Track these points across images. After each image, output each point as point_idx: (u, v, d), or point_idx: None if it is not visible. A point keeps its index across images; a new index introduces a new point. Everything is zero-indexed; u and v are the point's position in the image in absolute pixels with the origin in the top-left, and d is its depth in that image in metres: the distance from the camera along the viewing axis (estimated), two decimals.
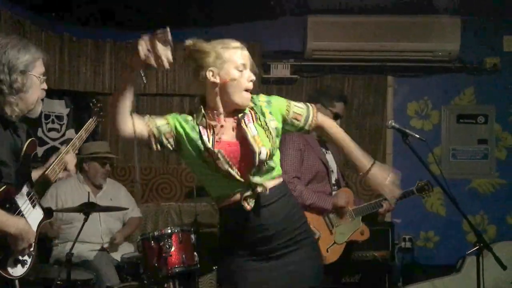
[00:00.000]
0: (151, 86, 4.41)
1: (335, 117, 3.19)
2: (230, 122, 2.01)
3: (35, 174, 2.21)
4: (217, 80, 1.96)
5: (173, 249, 3.21)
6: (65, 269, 2.81)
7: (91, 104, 2.63)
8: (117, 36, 4.42)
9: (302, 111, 2.09)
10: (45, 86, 2.12)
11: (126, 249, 3.74)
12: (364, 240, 3.15)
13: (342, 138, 2.11)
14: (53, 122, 4.25)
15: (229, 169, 1.92)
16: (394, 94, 4.54)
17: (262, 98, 2.06)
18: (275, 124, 2.03)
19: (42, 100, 2.14)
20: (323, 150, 3.20)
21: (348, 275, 3.61)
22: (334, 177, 3.20)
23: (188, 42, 2.03)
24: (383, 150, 4.52)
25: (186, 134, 1.98)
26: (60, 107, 4.30)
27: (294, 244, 1.99)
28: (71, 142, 2.35)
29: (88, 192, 3.39)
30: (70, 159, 2.28)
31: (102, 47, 4.36)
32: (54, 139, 4.26)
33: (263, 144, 1.94)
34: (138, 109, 4.44)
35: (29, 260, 2.03)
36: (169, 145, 1.99)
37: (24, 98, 2.02)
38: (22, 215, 2.01)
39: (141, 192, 4.50)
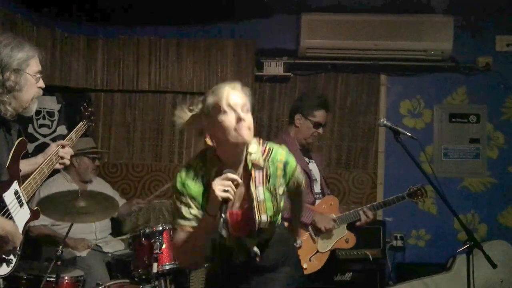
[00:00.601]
0: (144, 83, 4.39)
1: (316, 126, 3.18)
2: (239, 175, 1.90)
3: (27, 167, 2.20)
4: (210, 131, 1.89)
5: (164, 246, 3.21)
6: (55, 266, 2.79)
7: (81, 108, 2.61)
8: (109, 32, 4.39)
9: (300, 181, 2.11)
10: (41, 84, 2.10)
11: (117, 247, 3.73)
12: (350, 248, 3.17)
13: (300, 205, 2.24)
14: (44, 118, 4.22)
15: (226, 239, 1.90)
16: (387, 93, 4.54)
17: (281, 158, 1.97)
18: (282, 190, 2.00)
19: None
20: (306, 159, 3.20)
21: (339, 274, 3.61)
22: (317, 186, 3.20)
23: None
24: (375, 148, 4.53)
25: (195, 196, 1.90)
26: (51, 103, 4.26)
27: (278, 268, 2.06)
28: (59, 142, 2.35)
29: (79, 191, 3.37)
30: (67, 152, 2.31)
31: (94, 43, 4.33)
32: (45, 135, 4.22)
33: (265, 211, 1.91)
34: (131, 106, 4.50)
35: (14, 260, 2.01)
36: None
37: (18, 97, 2.01)
38: (9, 214, 1.99)
39: (133, 190, 4.48)
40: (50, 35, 4.14)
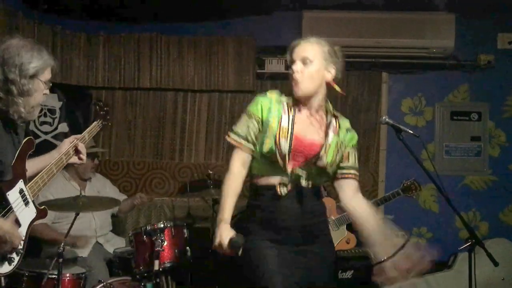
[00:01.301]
0: (145, 80, 4.38)
1: None
2: (314, 118, 2.15)
3: (40, 164, 2.21)
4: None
5: (165, 243, 3.21)
6: (56, 263, 2.79)
7: (96, 107, 2.59)
8: (110, 29, 4.38)
9: (352, 160, 2.24)
10: (47, 91, 2.16)
11: (119, 244, 3.73)
12: (351, 248, 3.17)
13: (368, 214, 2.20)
14: (45, 115, 4.21)
15: (285, 157, 2.03)
16: (388, 91, 4.54)
17: (347, 124, 2.25)
18: (343, 150, 2.19)
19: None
20: None
21: (341, 272, 3.61)
22: None
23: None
24: (376, 146, 4.52)
25: (268, 116, 2.11)
26: (52, 101, 4.25)
27: (312, 238, 2.11)
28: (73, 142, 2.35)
29: (80, 190, 3.37)
30: (82, 147, 2.34)
31: (95, 40, 4.32)
32: (46, 133, 4.22)
33: (326, 154, 2.08)
34: (132, 103, 4.50)
35: (16, 258, 2.01)
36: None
37: (26, 102, 2.05)
38: (12, 212, 1.99)
39: (134, 187, 4.48)
40: (51, 32, 4.14)
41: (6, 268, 1.98)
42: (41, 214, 2.16)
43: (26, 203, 2.08)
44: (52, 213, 3.40)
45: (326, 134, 2.13)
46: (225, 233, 2.00)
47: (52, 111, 4.25)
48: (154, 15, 4.29)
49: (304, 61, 2.11)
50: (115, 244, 3.69)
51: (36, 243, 3.53)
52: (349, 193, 2.19)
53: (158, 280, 3.19)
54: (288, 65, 2.16)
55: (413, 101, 4.55)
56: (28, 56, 2.02)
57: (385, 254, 2.06)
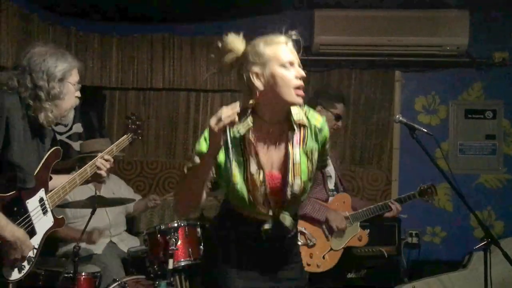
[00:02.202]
0: (158, 81, 4.41)
1: (337, 118, 3.18)
2: (275, 134, 1.81)
3: (60, 179, 2.23)
4: (262, 81, 1.75)
5: (179, 242, 3.24)
6: (72, 262, 2.83)
7: (129, 120, 2.58)
8: (123, 30, 4.41)
9: (325, 159, 2.00)
10: (78, 94, 2.19)
11: (133, 243, 3.76)
12: (363, 246, 3.16)
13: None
14: None
15: (261, 206, 1.78)
16: (401, 89, 4.51)
17: (318, 119, 1.88)
18: (316, 155, 1.86)
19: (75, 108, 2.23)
20: None
21: (354, 271, 3.60)
22: (331, 182, 3.19)
23: (224, 40, 1.82)
24: (390, 145, 4.50)
25: (228, 165, 1.72)
26: None
27: (287, 265, 1.91)
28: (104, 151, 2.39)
29: (95, 190, 3.41)
30: (105, 163, 2.33)
31: (108, 41, 4.36)
32: (61, 133, 4.27)
33: (299, 174, 1.79)
34: (145, 104, 4.52)
35: (27, 266, 2.03)
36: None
37: (59, 105, 2.09)
38: (30, 220, 2.02)
39: (147, 187, 4.51)
40: (65, 34, 4.18)
41: (16, 275, 2.00)
42: (58, 223, 2.19)
43: (45, 212, 2.10)
44: (68, 213, 3.45)
45: (287, 154, 1.79)
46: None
47: None
48: (167, 15, 4.31)
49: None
50: (129, 243, 3.72)
51: (51, 243, 3.58)
52: None
53: (172, 279, 3.21)
54: (283, 65, 1.76)
55: (426, 100, 4.52)
56: (53, 60, 2.06)
57: None
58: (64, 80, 2.08)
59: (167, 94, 4.50)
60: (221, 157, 1.75)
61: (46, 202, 2.10)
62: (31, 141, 2.07)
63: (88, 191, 3.51)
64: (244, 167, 1.77)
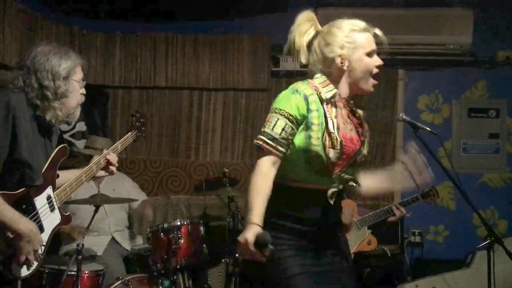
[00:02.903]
0: (161, 79, 4.42)
1: None
2: (345, 110, 1.96)
3: (67, 174, 2.24)
4: (346, 66, 1.91)
5: (182, 241, 3.24)
6: (75, 260, 2.83)
7: (133, 117, 2.59)
8: (127, 28, 4.42)
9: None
10: (83, 90, 2.19)
11: (136, 241, 3.77)
12: (372, 250, 3.16)
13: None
14: None
15: (334, 164, 1.86)
16: (404, 88, 4.50)
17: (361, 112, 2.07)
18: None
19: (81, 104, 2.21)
20: None
21: (356, 270, 3.60)
22: None
23: (302, 15, 2.06)
24: (393, 143, 4.49)
25: (308, 117, 1.86)
26: None
27: (337, 238, 2.00)
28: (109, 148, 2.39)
29: (97, 188, 3.41)
30: (113, 158, 2.32)
31: (112, 40, 4.37)
32: (64, 132, 4.28)
33: (365, 147, 1.98)
34: (148, 102, 4.53)
35: (35, 263, 2.03)
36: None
37: (66, 103, 2.09)
38: (38, 217, 2.03)
39: (151, 185, 4.52)
40: (68, 32, 4.19)
41: (25, 272, 2.01)
42: (65, 220, 2.19)
43: (52, 209, 2.11)
44: (71, 211, 3.46)
45: (361, 125, 1.98)
46: (251, 231, 1.76)
47: None
48: (170, 14, 4.32)
49: None
50: (132, 242, 3.73)
51: (54, 242, 3.58)
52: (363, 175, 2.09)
53: (175, 277, 3.21)
54: (369, 53, 1.92)
55: (429, 98, 4.51)
56: (57, 59, 2.06)
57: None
58: (68, 78, 2.09)
59: (170, 92, 4.51)
60: (301, 115, 1.85)
61: (53, 200, 2.11)
62: (39, 139, 2.08)
63: (90, 189, 3.52)
64: (324, 126, 1.86)
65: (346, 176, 1.93)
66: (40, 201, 2.05)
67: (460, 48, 4.23)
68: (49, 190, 2.10)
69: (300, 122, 1.86)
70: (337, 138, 1.85)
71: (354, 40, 1.90)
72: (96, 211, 2.97)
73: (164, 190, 4.48)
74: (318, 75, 1.94)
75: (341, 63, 1.90)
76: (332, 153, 1.84)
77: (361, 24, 1.94)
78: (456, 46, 4.22)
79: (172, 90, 4.50)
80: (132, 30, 4.41)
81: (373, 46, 1.93)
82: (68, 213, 2.22)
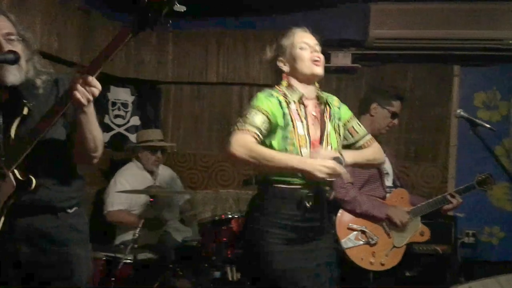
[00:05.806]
0: (211, 75, 4.48)
1: (393, 116, 3.12)
2: (312, 107, 2.15)
3: None
4: (287, 66, 2.18)
5: (232, 234, 3.28)
6: (131, 249, 2.93)
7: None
8: (179, 25, 4.51)
9: (360, 130, 2.26)
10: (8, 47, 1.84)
11: (186, 233, 3.85)
12: (425, 241, 3.08)
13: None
14: (119, 109, 4.42)
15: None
16: (460, 84, 4.37)
17: (335, 102, 2.23)
18: (342, 130, 2.21)
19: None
20: None
21: (408, 269, 3.53)
22: (389, 180, 3.12)
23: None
24: (446, 141, 4.38)
25: (282, 119, 2.07)
26: (125, 95, 4.46)
27: (322, 233, 2.14)
28: None
29: (153, 179, 3.51)
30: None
31: (165, 36, 4.46)
32: (119, 126, 4.43)
33: (330, 143, 2.10)
34: (199, 98, 4.61)
35: None
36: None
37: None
38: None
39: (200, 179, 4.60)
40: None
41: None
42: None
43: None
44: (127, 201, 3.59)
45: (323, 124, 2.13)
46: (324, 160, 1.96)
47: (125, 105, 4.45)
48: (221, 10, 4.37)
49: (318, 48, 2.18)
50: (183, 233, 3.82)
51: (110, 231, 3.73)
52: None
53: (224, 269, 3.26)
54: (300, 47, 2.16)
55: (486, 95, 4.36)
56: None
57: None
58: None
59: (220, 88, 4.57)
60: (279, 120, 2.06)
61: None
62: None
63: (147, 180, 3.62)
64: (296, 128, 2.05)
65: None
66: None
67: None
68: None
69: (274, 122, 2.05)
70: (306, 139, 2.04)
71: (282, 45, 2.21)
72: (154, 202, 3.06)
73: (214, 184, 4.54)
74: (283, 82, 2.18)
75: (283, 66, 2.18)
76: (304, 153, 2.01)
77: (291, 29, 2.26)
78: None
79: (223, 86, 4.55)
80: (184, 27, 4.49)
81: (302, 39, 2.18)
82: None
